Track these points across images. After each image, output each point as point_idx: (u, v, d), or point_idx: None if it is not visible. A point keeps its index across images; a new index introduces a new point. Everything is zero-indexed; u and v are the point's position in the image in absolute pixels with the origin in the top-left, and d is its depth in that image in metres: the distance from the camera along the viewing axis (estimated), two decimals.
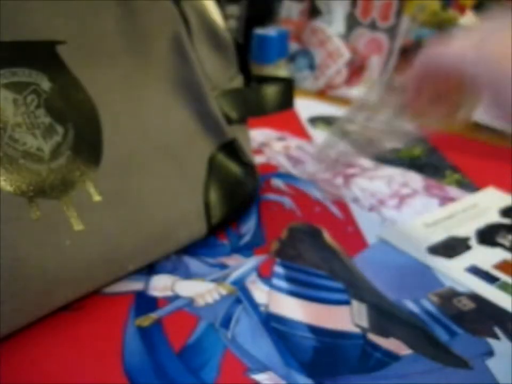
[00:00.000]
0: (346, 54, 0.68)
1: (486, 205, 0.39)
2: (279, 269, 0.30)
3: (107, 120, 0.26)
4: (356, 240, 0.34)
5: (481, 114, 0.59)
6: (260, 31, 0.68)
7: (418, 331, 0.26)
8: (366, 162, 0.47)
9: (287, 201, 0.38)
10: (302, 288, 0.28)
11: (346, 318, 0.26)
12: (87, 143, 0.25)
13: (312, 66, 0.71)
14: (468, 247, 0.34)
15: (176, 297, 0.27)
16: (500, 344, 0.25)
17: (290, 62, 0.72)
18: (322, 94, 0.70)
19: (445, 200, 0.40)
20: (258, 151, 0.47)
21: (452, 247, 0.34)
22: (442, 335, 0.26)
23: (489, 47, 0.23)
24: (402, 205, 0.39)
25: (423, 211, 0.39)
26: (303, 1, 0.74)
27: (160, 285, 0.28)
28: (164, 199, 0.28)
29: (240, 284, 0.29)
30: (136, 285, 0.28)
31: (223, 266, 0.30)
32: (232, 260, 0.31)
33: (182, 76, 0.30)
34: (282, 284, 0.29)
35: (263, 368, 0.23)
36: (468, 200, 0.40)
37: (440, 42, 0.26)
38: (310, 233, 0.34)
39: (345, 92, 0.68)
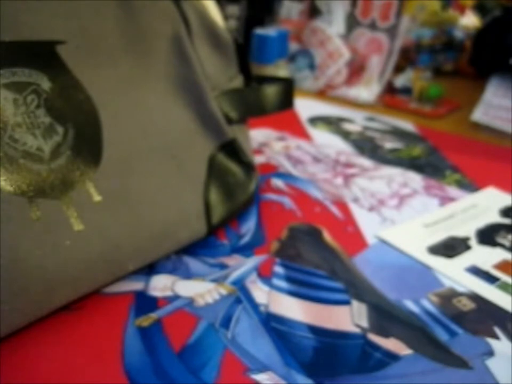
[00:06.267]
0: (346, 54, 0.68)
1: (486, 205, 0.40)
2: (279, 269, 0.30)
3: (107, 120, 0.26)
4: (356, 240, 0.34)
5: (481, 114, 0.59)
6: (260, 31, 0.68)
7: (418, 331, 0.26)
8: (366, 162, 0.47)
9: (287, 201, 0.38)
10: (302, 288, 0.28)
11: (346, 318, 0.26)
12: (87, 143, 0.25)
13: (312, 66, 0.71)
14: (467, 247, 0.34)
15: (176, 297, 0.27)
16: (500, 344, 0.25)
17: (290, 62, 0.72)
18: (322, 94, 0.70)
19: (445, 200, 0.40)
20: (258, 151, 0.47)
21: (451, 247, 0.34)
22: (442, 335, 0.26)
23: None
24: (402, 205, 0.39)
25: (423, 211, 0.39)
26: (303, 1, 0.74)
27: (160, 285, 0.28)
28: (164, 199, 0.28)
29: (240, 284, 0.29)
30: (136, 285, 0.28)
31: (223, 266, 0.30)
32: (232, 260, 0.31)
33: (182, 76, 0.30)
34: (282, 283, 0.29)
35: (263, 368, 0.23)
36: (467, 200, 0.40)
37: None
38: (310, 233, 0.34)
39: (345, 92, 0.68)
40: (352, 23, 0.70)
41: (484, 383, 0.23)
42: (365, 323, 0.26)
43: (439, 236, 0.35)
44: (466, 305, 0.28)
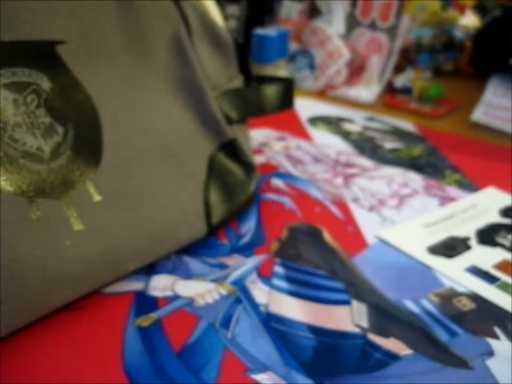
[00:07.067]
0: (346, 54, 0.68)
1: (486, 205, 0.40)
2: (279, 269, 0.30)
3: (107, 120, 0.26)
4: (356, 240, 0.34)
5: (481, 114, 0.59)
6: (260, 31, 0.68)
7: (418, 331, 0.26)
8: (366, 162, 0.47)
9: (287, 201, 0.38)
10: (302, 288, 0.28)
11: (346, 318, 0.26)
12: (87, 143, 0.25)
13: (312, 66, 0.71)
14: (467, 247, 0.34)
15: (176, 297, 0.27)
16: (500, 344, 0.25)
17: (290, 62, 0.72)
18: (322, 94, 0.70)
19: (445, 200, 0.40)
20: (258, 151, 0.47)
21: (451, 247, 0.34)
22: (442, 335, 0.26)
23: None
24: (402, 205, 0.39)
25: (423, 211, 0.39)
26: (303, 1, 0.74)
27: (160, 285, 0.28)
28: (164, 199, 0.28)
29: (240, 284, 0.29)
30: (136, 285, 0.28)
31: (223, 266, 0.30)
32: (232, 260, 0.31)
33: (182, 76, 0.30)
34: (282, 283, 0.29)
35: (263, 368, 0.23)
36: (467, 200, 0.40)
37: None
38: (310, 233, 0.34)
39: (345, 92, 0.68)
40: (352, 23, 0.70)
41: (483, 383, 0.23)
42: (365, 323, 0.26)
43: (439, 236, 0.35)
44: (466, 305, 0.28)
